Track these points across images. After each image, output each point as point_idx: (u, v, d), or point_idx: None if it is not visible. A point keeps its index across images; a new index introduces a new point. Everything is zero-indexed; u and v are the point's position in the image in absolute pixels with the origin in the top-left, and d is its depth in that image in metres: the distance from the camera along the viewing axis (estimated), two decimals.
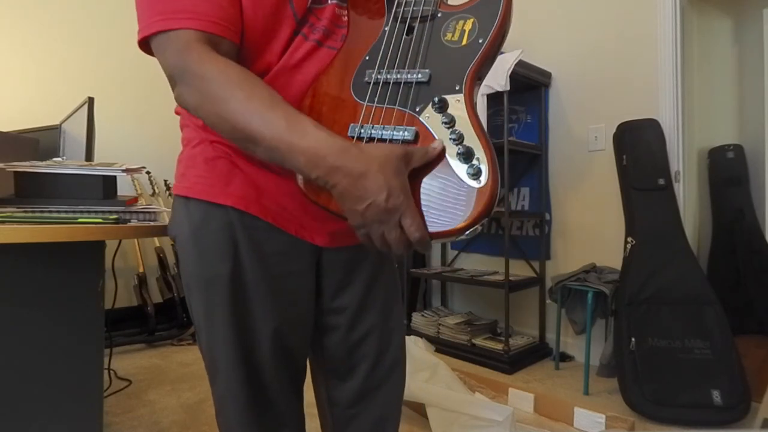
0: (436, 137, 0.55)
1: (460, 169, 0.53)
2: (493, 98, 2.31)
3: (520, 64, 2.22)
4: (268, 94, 0.54)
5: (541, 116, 2.48)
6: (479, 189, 0.52)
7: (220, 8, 0.56)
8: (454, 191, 0.53)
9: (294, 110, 0.54)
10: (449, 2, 0.64)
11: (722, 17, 2.96)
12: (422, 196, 0.54)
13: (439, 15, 0.61)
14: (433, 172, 0.54)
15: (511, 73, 2.17)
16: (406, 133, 0.55)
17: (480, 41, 0.58)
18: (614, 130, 2.13)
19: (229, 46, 0.58)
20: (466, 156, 0.53)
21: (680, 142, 2.07)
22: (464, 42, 0.59)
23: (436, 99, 0.56)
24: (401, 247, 0.52)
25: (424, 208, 0.53)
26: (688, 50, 2.54)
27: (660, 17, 2.10)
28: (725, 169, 2.83)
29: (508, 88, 2.19)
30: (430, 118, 0.56)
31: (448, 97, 0.56)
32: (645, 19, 2.14)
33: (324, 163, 0.51)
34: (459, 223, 0.52)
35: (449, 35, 0.60)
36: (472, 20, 0.59)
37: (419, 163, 0.53)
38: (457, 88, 0.57)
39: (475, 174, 0.52)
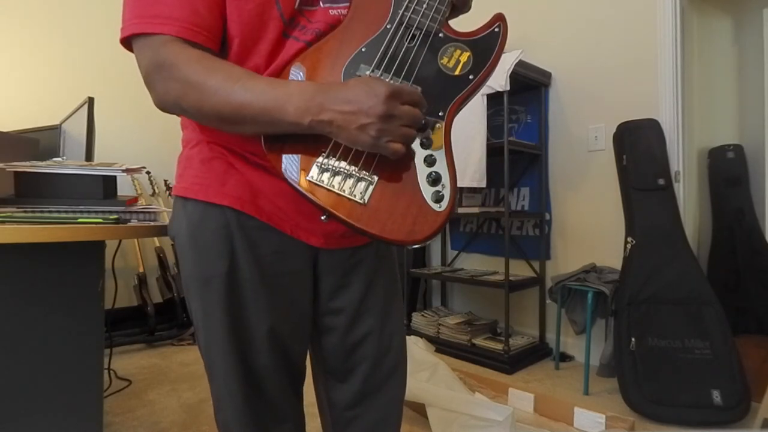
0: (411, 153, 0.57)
1: (427, 190, 0.57)
2: (493, 98, 2.31)
3: (520, 64, 2.22)
4: (244, 71, 0.57)
5: (541, 116, 2.48)
6: (438, 213, 0.56)
7: (196, 15, 0.57)
8: (415, 209, 0.56)
9: (274, 78, 0.57)
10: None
11: (722, 17, 2.95)
12: (386, 207, 0.56)
13: (440, 35, 0.62)
14: (401, 187, 0.57)
15: (511, 73, 2.17)
16: None
17: (470, 77, 0.61)
18: (614, 130, 2.13)
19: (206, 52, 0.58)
20: (435, 180, 0.57)
21: (680, 142, 2.07)
22: (457, 72, 0.61)
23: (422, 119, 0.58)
24: (421, 119, 0.55)
25: (386, 215, 0.56)
26: (688, 50, 2.53)
27: (660, 17, 2.09)
28: (725, 169, 2.83)
29: (508, 88, 2.19)
30: None
31: (431, 120, 0.59)
32: (645, 19, 2.14)
33: (312, 103, 0.53)
34: (415, 236, 0.56)
35: (445, 59, 0.61)
36: (468, 54, 0.62)
37: (408, 98, 0.54)
38: (440, 114, 0.59)
39: (438, 200, 0.56)
